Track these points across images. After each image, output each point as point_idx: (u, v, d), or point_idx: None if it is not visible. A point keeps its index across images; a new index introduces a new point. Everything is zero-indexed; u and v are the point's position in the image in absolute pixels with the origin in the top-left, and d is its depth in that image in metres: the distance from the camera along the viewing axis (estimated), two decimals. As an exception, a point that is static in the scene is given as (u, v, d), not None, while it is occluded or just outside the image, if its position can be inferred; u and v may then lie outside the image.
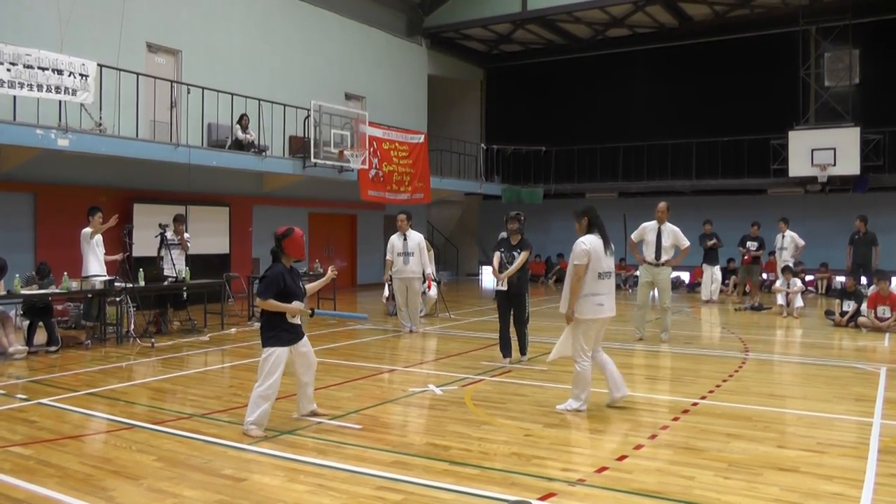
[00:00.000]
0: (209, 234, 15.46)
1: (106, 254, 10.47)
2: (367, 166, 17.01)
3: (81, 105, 11.68)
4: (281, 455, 4.95)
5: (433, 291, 13.44)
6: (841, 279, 14.57)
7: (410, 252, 10.91)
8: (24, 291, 9.11)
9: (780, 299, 13.74)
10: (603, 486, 4.39)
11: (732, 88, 20.99)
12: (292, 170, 15.83)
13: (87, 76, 11.46)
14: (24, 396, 6.71)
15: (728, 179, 20.57)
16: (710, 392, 7.06)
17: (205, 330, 11.08)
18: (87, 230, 10.09)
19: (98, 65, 11.79)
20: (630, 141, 22.09)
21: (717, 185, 20.76)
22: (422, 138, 19.25)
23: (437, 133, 22.40)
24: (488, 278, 23.29)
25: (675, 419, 5.98)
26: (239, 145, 14.84)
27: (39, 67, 10.82)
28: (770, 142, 19.55)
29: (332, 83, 18.68)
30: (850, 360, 9.06)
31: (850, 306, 11.93)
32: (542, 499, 4.17)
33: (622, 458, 4.94)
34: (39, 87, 10.88)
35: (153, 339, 9.81)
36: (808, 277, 17.94)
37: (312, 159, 15.37)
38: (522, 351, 8.72)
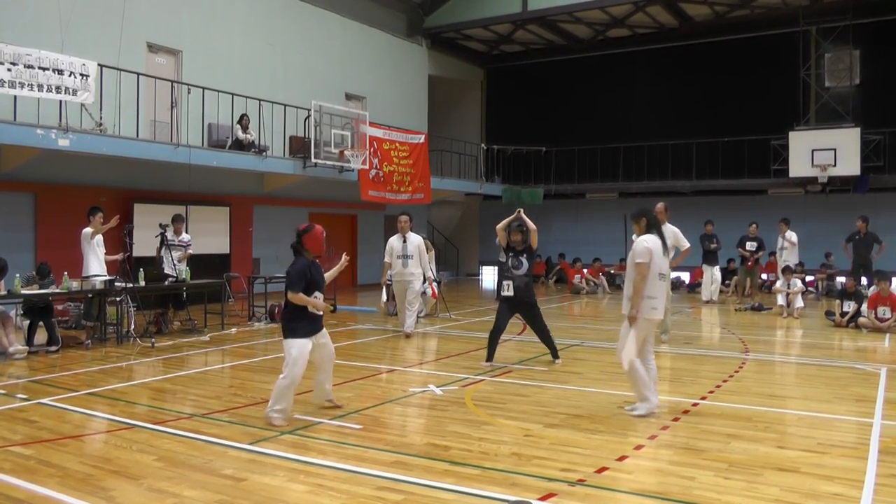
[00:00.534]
0: (209, 234, 15.46)
1: (106, 254, 10.47)
2: (367, 166, 17.01)
3: (82, 105, 11.68)
4: (281, 455, 4.95)
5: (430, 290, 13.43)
6: (841, 279, 14.56)
7: (410, 255, 10.72)
8: (24, 291, 9.11)
9: (781, 300, 13.74)
10: (603, 487, 4.39)
11: (733, 89, 21.01)
12: (293, 170, 15.84)
13: (87, 76, 11.47)
14: (24, 396, 6.71)
15: (728, 180, 20.57)
16: (711, 392, 7.06)
17: (205, 330, 11.08)
18: (88, 230, 10.09)
19: (98, 65, 11.80)
20: (630, 141, 22.09)
21: (717, 185, 20.77)
22: (422, 138, 19.25)
23: (438, 133, 22.41)
24: (489, 278, 23.32)
25: (676, 419, 5.98)
26: (239, 145, 14.85)
27: (40, 67, 10.83)
28: (770, 142, 19.56)
29: (332, 83, 18.69)
30: (851, 360, 9.06)
31: (850, 307, 11.93)
32: (542, 499, 4.17)
33: (622, 458, 4.94)
34: (40, 87, 10.89)
35: (153, 339, 9.81)
36: (809, 278, 17.94)
37: (313, 159, 15.37)
38: (555, 354, 8.58)
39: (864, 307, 11.69)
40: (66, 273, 9.57)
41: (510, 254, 8.41)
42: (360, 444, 5.26)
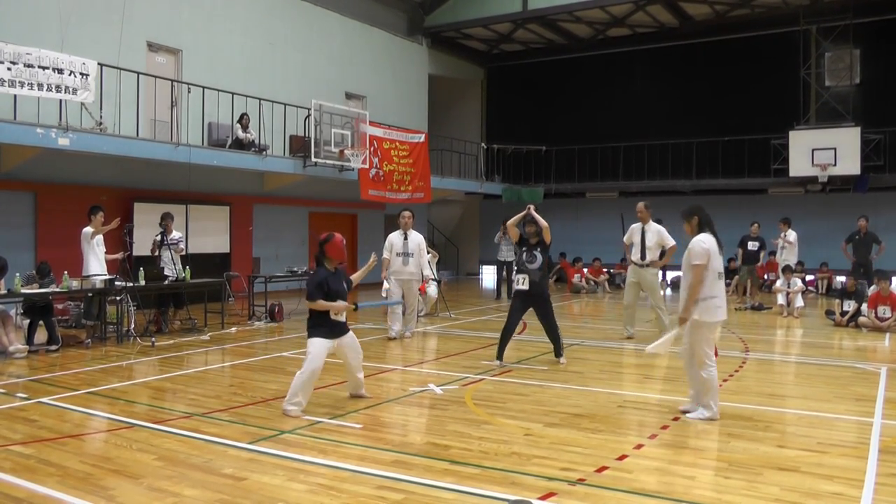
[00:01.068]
0: (210, 233, 15.46)
1: (106, 253, 10.47)
2: (367, 166, 17.01)
3: (82, 104, 11.68)
4: (281, 454, 4.95)
5: (433, 290, 13.43)
6: (841, 279, 14.57)
7: (410, 252, 10.42)
8: (24, 290, 9.11)
9: (781, 299, 13.74)
10: (603, 486, 4.38)
11: (733, 88, 21.00)
12: (293, 169, 15.83)
13: (87, 75, 11.46)
14: (24, 395, 6.72)
15: (728, 179, 20.57)
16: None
17: (205, 329, 11.08)
18: (88, 229, 10.09)
19: (99, 64, 11.79)
20: (630, 140, 22.09)
21: (717, 184, 20.75)
22: (422, 138, 19.25)
23: (438, 132, 22.40)
24: (489, 278, 23.32)
25: (676, 419, 5.98)
26: (239, 145, 14.84)
27: (40, 66, 10.82)
28: (770, 141, 19.56)
29: (332, 82, 18.69)
30: (851, 359, 9.06)
31: (850, 306, 11.93)
32: (542, 498, 4.17)
33: (622, 457, 4.94)
34: (40, 86, 10.88)
35: (153, 339, 9.81)
36: (809, 277, 17.94)
37: (313, 159, 15.36)
38: (559, 353, 8.48)
39: (864, 306, 11.69)
40: (66, 272, 9.57)
41: (523, 248, 8.33)
42: (361, 443, 5.26)
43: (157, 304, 11.00)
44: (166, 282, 10.71)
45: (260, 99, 15.15)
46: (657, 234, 10.34)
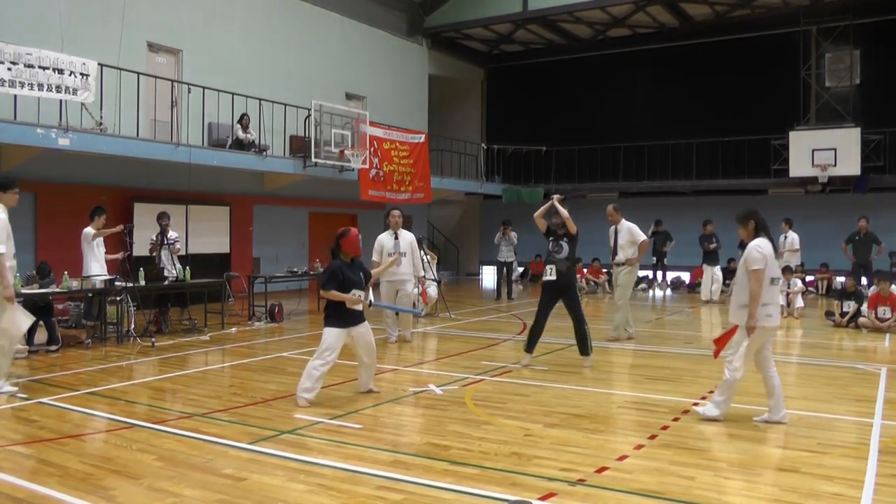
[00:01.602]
0: (210, 233, 15.47)
1: (106, 253, 10.48)
2: (367, 166, 17.01)
3: (82, 104, 11.68)
4: (281, 454, 4.95)
5: (433, 291, 13.43)
6: (841, 279, 14.56)
7: (403, 252, 10.00)
8: (24, 291, 9.09)
9: (781, 300, 13.70)
10: (603, 486, 4.39)
11: (733, 88, 20.99)
12: (293, 169, 15.83)
13: (87, 75, 11.47)
14: (24, 396, 6.71)
15: (728, 180, 20.57)
16: (711, 392, 7.04)
17: (205, 329, 11.08)
18: (89, 230, 10.09)
19: (99, 64, 11.80)
20: (631, 141, 22.09)
21: (717, 185, 20.76)
22: (422, 138, 19.25)
23: (438, 133, 22.41)
24: (489, 278, 23.30)
25: (676, 419, 5.98)
26: (239, 145, 14.85)
27: (40, 67, 10.82)
28: (771, 142, 19.56)
29: (332, 83, 18.69)
30: (851, 360, 9.06)
31: (850, 307, 11.93)
32: (542, 499, 4.17)
33: (622, 458, 4.94)
34: (40, 86, 10.89)
35: (153, 339, 9.81)
36: (809, 278, 17.93)
37: (313, 159, 15.37)
38: (585, 351, 8.24)
39: (864, 307, 11.69)
40: (66, 272, 9.57)
41: (550, 238, 8.27)
42: (360, 443, 5.26)
43: (157, 304, 11.00)
44: (166, 282, 10.71)
45: (260, 99, 15.15)
46: (628, 232, 10.50)
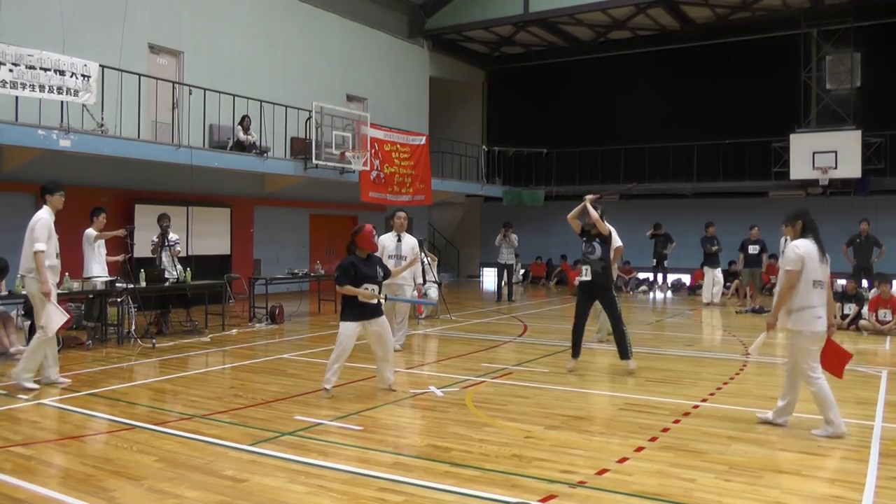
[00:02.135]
0: (210, 235, 15.47)
1: (107, 254, 10.49)
2: (368, 168, 17.01)
3: (83, 106, 11.68)
4: (282, 456, 4.95)
5: (434, 293, 13.44)
6: (842, 282, 14.55)
7: (404, 256, 9.69)
8: (25, 292, 9.10)
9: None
10: (603, 489, 4.38)
11: (734, 91, 20.98)
12: (294, 171, 15.84)
13: (89, 77, 11.47)
14: (25, 396, 6.72)
15: (729, 182, 20.55)
16: (711, 394, 7.06)
17: (206, 331, 11.08)
18: (91, 231, 10.10)
19: (100, 66, 11.80)
20: (631, 143, 22.08)
21: (718, 187, 20.74)
22: (423, 140, 19.25)
23: (439, 135, 22.41)
24: (489, 280, 23.30)
25: (676, 421, 5.98)
26: (240, 146, 14.86)
27: (42, 68, 10.83)
28: (771, 144, 19.54)
29: (333, 85, 18.70)
30: (851, 363, 9.00)
31: (851, 309, 11.93)
32: (542, 500, 4.17)
33: (623, 460, 4.94)
34: (42, 87, 10.90)
35: (154, 340, 9.82)
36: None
37: (314, 161, 15.38)
38: (624, 354, 8.05)
39: (865, 310, 11.69)
40: (66, 274, 9.56)
41: (584, 238, 8.21)
42: (361, 445, 5.26)
43: (158, 305, 11.01)
44: (167, 283, 10.71)
45: (261, 101, 15.16)
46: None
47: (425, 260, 12.51)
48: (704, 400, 6.80)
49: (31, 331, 9.22)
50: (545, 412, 6.26)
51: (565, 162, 23.32)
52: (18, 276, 8.70)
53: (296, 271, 13.88)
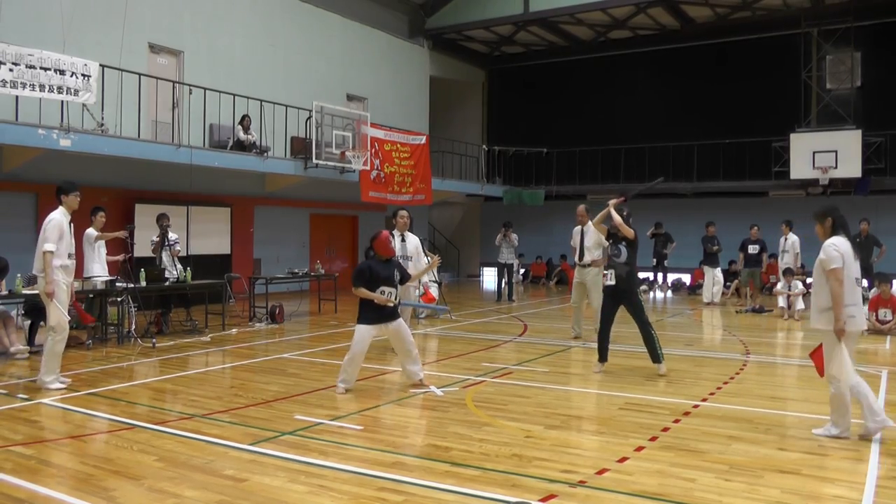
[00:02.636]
0: (211, 234, 15.47)
1: (108, 254, 10.49)
2: (368, 167, 17.02)
3: (83, 105, 11.69)
4: (282, 456, 4.95)
5: (434, 293, 13.43)
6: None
7: (408, 256, 9.70)
8: (25, 291, 9.12)
9: (782, 302, 13.73)
10: (604, 488, 4.38)
11: (734, 91, 20.99)
12: (294, 171, 15.85)
13: (89, 76, 11.48)
14: (25, 396, 6.73)
15: (729, 182, 20.55)
16: (712, 394, 7.06)
17: (206, 330, 11.09)
18: (91, 231, 10.10)
19: (100, 65, 11.81)
20: (631, 143, 22.07)
21: (718, 187, 20.75)
22: (423, 139, 19.26)
23: (439, 134, 22.41)
24: (489, 280, 23.31)
25: (676, 421, 5.98)
26: (241, 146, 14.86)
27: (42, 68, 10.83)
28: (772, 144, 19.55)
29: (333, 84, 18.70)
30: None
31: (851, 309, 11.90)
32: (542, 500, 4.17)
33: (623, 459, 4.94)
34: (42, 87, 10.90)
35: (154, 340, 9.82)
36: (810, 280, 17.89)
37: (314, 160, 15.38)
38: (655, 358, 7.90)
39: (865, 309, 11.67)
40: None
41: (610, 241, 8.19)
42: (361, 444, 5.26)
43: (158, 305, 11.01)
44: (167, 283, 10.71)
45: (261, 100, 15.16)
46: (595, 234, 10.42)
47: (426, 260, 12.52)
48: (705, 399, 6.80)
49: (32, 331, 9.25)
50: (545, 412, 6.26)
51: (565, 161, 23.32)
52: (26, 275, 8.75)
53: (296, 271, 13.89)
